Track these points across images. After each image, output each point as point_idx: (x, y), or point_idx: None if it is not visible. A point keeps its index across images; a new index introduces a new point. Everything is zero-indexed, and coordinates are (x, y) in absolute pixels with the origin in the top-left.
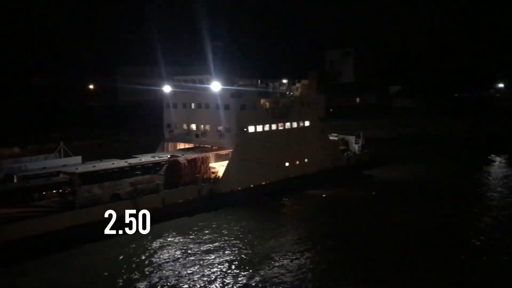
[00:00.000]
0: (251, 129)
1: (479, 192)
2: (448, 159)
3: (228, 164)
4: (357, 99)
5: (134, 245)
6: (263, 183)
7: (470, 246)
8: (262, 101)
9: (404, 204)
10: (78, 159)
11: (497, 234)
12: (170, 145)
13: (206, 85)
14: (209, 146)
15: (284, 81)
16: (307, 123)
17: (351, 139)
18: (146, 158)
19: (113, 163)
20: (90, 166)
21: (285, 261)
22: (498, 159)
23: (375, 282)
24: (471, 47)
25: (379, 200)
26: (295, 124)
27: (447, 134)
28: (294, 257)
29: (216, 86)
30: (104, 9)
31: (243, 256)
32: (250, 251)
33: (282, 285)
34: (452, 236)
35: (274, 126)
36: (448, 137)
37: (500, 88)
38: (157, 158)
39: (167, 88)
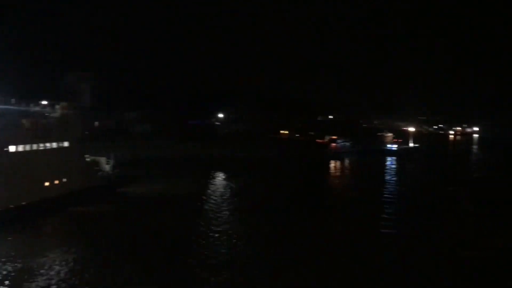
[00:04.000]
0: (12, 148)
1: (204, 200)
2: (181, 176)
3: None
4: (96, 123)
5: None
6: (24, 203)
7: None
8: (23, 121)
9: (152, 214)
10: None
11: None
12: None
13: None
14: None
15: (44, 102)
16: (66, 144)
17: (103, 160)
18: None
19: None
20: None
21: (54, 273)
22: (219, 174)
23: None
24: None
25: (132, 212)
26: (55, 145)
27: (179, 156)
28: (63, 268)
29: None
30: None
31: (11, 272)
32: (19, 266)
33: None
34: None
35: (35, 146)
36: (180, 158)
37: (220, 117)
38: None
39: None
